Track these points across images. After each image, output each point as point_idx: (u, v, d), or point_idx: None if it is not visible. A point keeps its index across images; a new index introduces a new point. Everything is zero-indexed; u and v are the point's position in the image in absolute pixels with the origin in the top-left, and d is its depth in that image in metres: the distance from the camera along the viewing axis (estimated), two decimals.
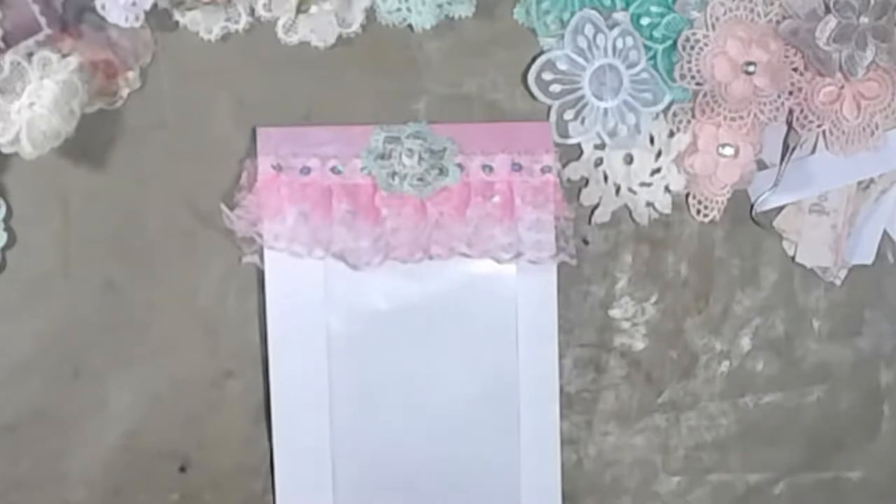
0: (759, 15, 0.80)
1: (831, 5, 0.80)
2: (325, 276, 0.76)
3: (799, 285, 0.85)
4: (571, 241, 0.78)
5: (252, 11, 0.74)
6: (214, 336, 0.77)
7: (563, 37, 0.78)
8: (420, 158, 0.76)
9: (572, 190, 0.80)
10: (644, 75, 0.79)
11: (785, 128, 0.83)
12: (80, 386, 0.75)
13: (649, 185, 0.81)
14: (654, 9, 0.79)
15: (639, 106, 0.79)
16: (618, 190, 0.81)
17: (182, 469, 0.78)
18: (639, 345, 0.83)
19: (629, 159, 0.81)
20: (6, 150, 0.70)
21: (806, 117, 0.82)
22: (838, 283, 0.86)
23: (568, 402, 0.82)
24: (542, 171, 0.77)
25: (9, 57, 0.69)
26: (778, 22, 0.80)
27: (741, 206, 0.83)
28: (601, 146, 0.80)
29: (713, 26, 0.79)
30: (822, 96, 0.82)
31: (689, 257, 0.83)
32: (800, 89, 0.82)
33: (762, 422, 0.86)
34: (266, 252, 0.75)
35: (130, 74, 0.74)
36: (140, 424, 0.76)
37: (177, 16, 0.73)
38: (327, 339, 0.77)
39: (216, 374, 0.77)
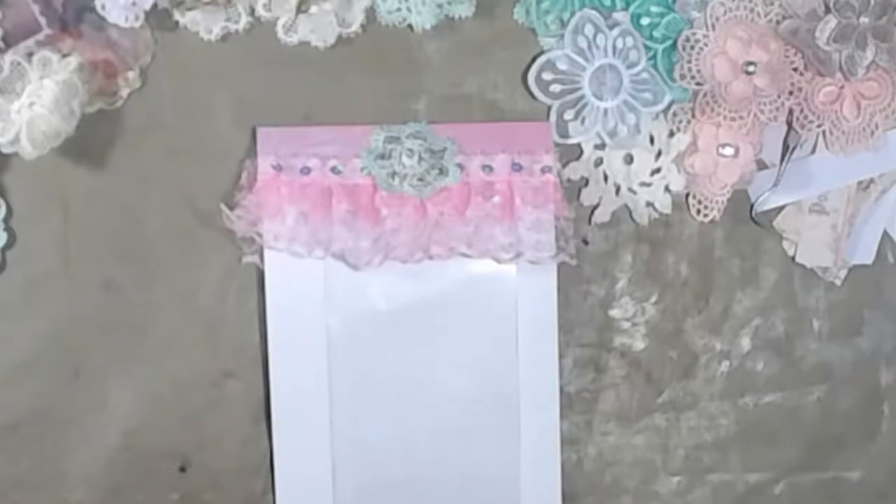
0: (759, 15, 0.80)
1: (831, 5, 0.80)
2: (325, 276, 0.76)
3: (799, 285, 0.85)
4: (571, 241, 0.78)
5: (252, 11, 0.74)
6: (214, 336, 0.77)
7: (563, 37, 0.78)
8: (420, 158, 0.76)
9: (572, 190, 0.80)
10: (644, 75, 0.79)
11: (785, 128, 0.83)
12: (80, 386, 0.75)
13: (649, 185, 0.81)
14: (654, 9, 0.79)
15: (639, 106, 0.79)
16: (618, 190, 0.81)
17: (182, 469, 0.78)
18: (639, 345, 0.83)
19: (629, 159, 0.81)
20: (6, 150, 0.70)
21: (806, 117, 0.82)
22: (838, 283, 0.86)
23: (568, 402, 0.82)
24: (542, 171, 0.77)
25: (9, 57, 0.70)
26: (778, 22, 0.80)
27: (741, 206, 0.83)
28: (601, 146, 0.80)
29: (713, 26, 0.79)
30: (822, 96, 0.82)
31: (689, 257, 0.83)
32: (800, 89, 0.82)
33: (762, 422, 0.86)
34: (266, 252, 0.75)
35: (130, 74, 0.74)
36: (140, 424, 0.76)
37: (177, 16, 0.73)
38: (327, 339, 0.77)
39: (216, 374, 0.77)
